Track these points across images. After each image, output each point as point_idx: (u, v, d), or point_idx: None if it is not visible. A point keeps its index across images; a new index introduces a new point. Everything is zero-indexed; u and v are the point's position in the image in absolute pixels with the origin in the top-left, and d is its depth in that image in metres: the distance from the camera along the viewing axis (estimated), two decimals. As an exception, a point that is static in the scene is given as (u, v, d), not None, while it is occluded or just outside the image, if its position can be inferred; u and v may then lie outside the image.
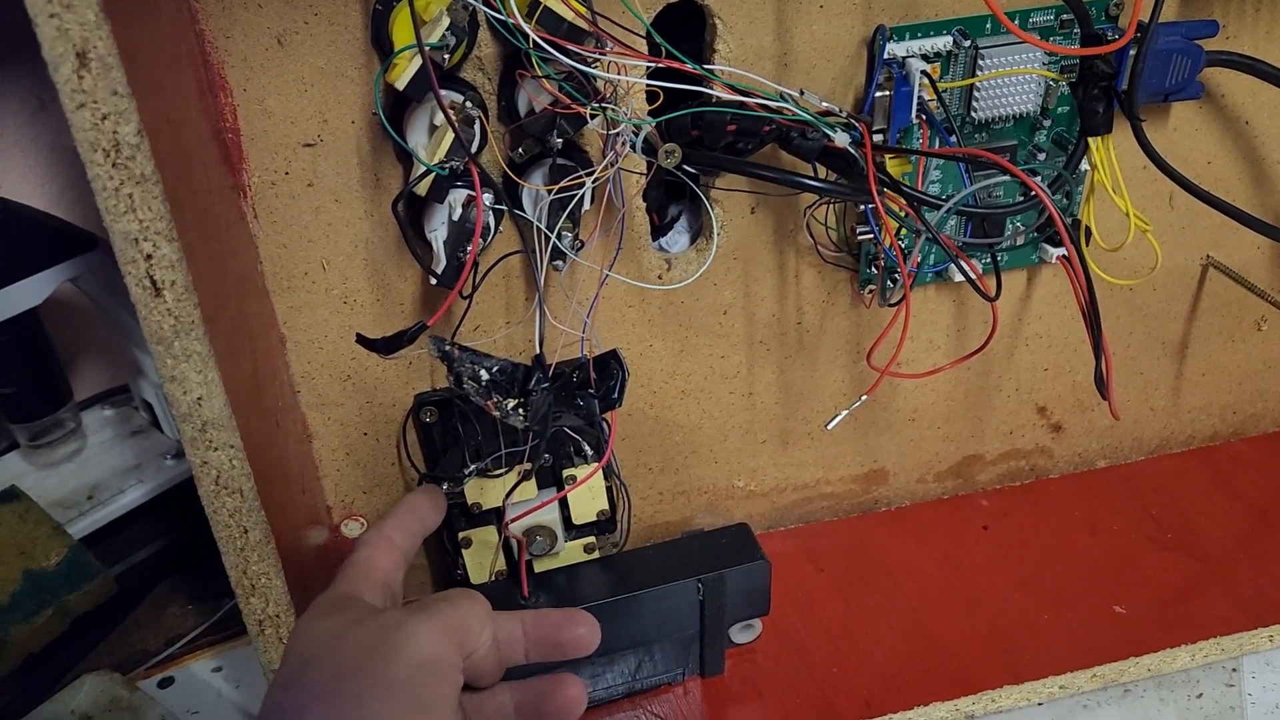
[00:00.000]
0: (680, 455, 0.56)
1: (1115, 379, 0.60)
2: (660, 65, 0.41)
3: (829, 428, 0.53)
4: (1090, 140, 0.44)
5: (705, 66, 0.41)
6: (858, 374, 0.56)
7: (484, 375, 0.36)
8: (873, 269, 0.51)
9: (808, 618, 0.55)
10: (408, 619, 0.33)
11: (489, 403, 0.36)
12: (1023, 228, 0.52)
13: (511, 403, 0.36)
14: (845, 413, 0.48)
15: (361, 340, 0.38)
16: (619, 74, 0.40)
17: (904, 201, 0.42)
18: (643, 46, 0.44)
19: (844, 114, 0.41)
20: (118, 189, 0.29)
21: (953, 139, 0.48)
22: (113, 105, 0.29)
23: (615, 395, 0.40)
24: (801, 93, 0.45)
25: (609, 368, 0.41)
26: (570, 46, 0.38)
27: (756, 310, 0.53)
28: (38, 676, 0.55)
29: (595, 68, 0.39)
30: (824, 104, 0.41)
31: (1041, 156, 0.50)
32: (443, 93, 0.41)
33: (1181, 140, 0.53)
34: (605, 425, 0.42)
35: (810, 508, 0.61)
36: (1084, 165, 0.49)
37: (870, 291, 0.52)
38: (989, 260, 0.52)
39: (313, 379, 0.49)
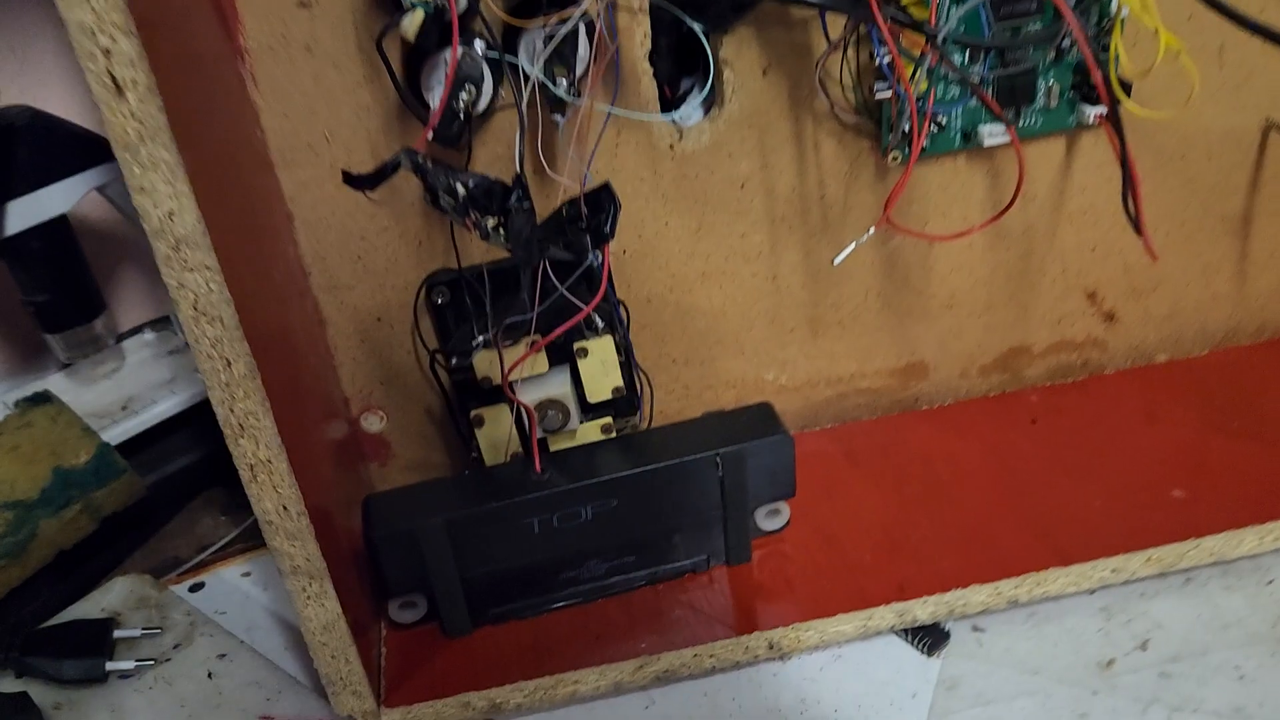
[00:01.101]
0: (705, 345, 0.54)
1: (1172, 260, 0.57)
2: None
3: (836, 263, 0.51)
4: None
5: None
6: (889, 253, 0.54)
7: (460, 190, 0.34)
8: (895, 134, 0.49)
9: (840, 508, 0.53)
10: None
11: (467, 220, 0.35)
12: (1055, 85, 0.49)
13: (491, 221, 0.35)
14: (853, 246, 0.45)
15: (347, 178, 0.37)
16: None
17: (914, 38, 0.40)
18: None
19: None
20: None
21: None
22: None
23: (607, 228, 0.38)
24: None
25: (600, 201, 0.39)
26: None
27: (776, 183, 0.51)
28: (73, 580, 0.56)
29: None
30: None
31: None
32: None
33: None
34: (598, 258, 0.40)
35: (845, 404, 0.58)
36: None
37: (894, 158, 0.50)
38: (1023, 126, 0.49)
39: (324, 259, 0.48)
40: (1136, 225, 0.44)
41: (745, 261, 0.52)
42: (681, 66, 0.50)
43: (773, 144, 0.50)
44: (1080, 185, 0.54)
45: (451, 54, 0.37)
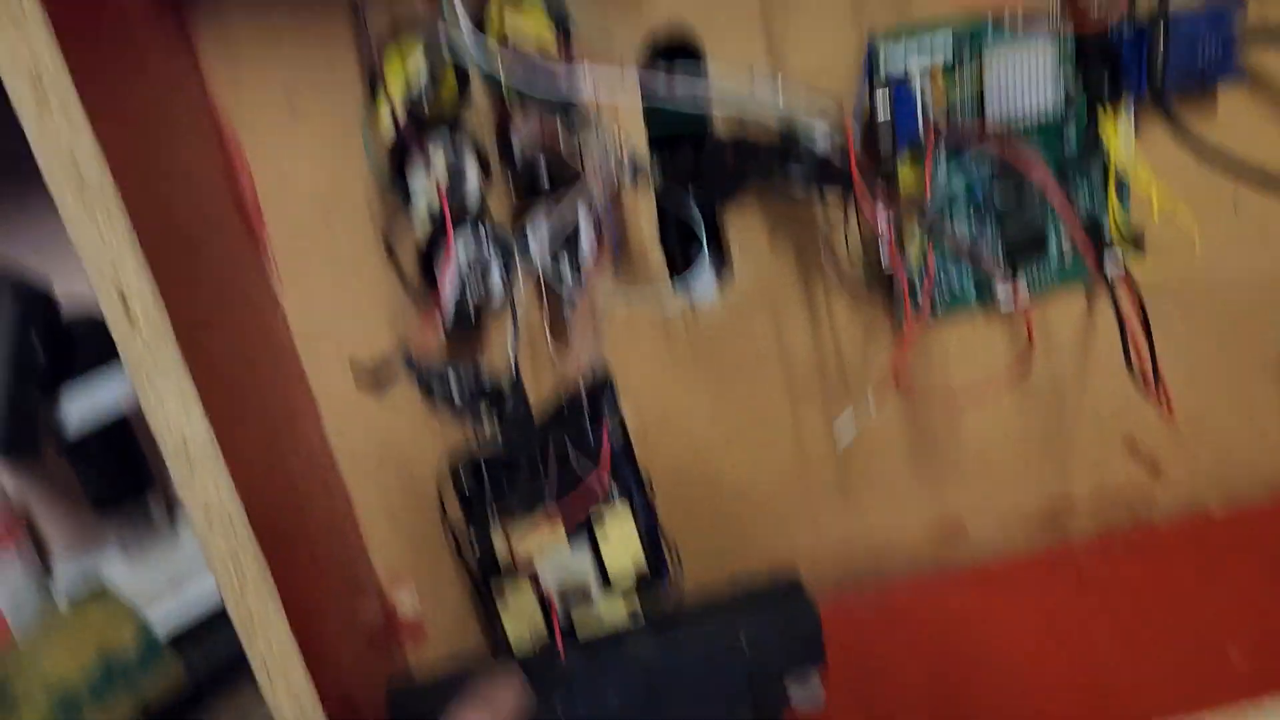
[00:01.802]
0: (734, 511, 0.54)
1: (1216, 406, 0.55)
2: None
3: (840, 446, 0.50)
4: (1100, 111, 0.42)
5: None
6: (914, 412, 0.53)
7: (454, 391, 0.35)
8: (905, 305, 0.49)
9: (878, 677, 0.51)
10: None
11: (463, 416, 0.36)
12: (1068, 240, 0.49)
13: (487, 419, 0.36)
14: (852, 422, 0.45)
15: (358, 380, 0.38)
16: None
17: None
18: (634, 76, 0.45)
19: (825, 126, 0.40)
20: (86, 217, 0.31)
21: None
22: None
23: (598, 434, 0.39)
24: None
25: (598, 401, 0.40)
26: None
27: (791, 351, 0.51)
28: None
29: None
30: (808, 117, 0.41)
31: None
32: (450, 131, 0.43)
33: (1237, 129, 0.49)
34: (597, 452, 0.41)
35: (882, 566, 0.57)
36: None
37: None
38: (1037, 280, 0.49)
39: (348, 441, 0.50)
40: (1148, 381, 0.43)
41: (767, 428, 0.52)
42: (689, 234, 0.52)
43: (785, 313, 0.50)
44: (1106, 334, 0.53)
45: (444, 264, 0.39)
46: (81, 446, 0.59)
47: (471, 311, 0.42)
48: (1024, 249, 0.49)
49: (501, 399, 0.36)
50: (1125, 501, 0.57)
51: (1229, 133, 0.49)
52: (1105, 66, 0.40)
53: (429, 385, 0.35)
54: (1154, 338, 0.52)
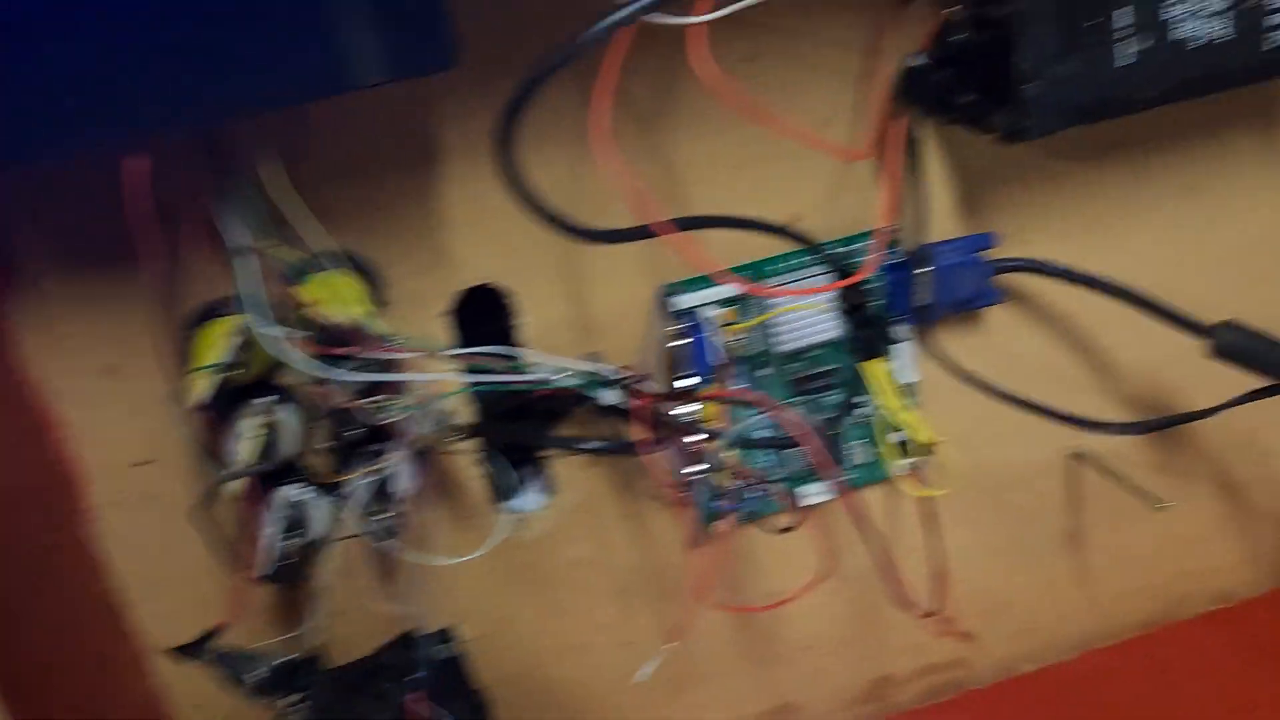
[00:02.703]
0: (576, 715, 0.56)
1: (1016, 581, 0.59)
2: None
3: (637, 679, 0.52)
4: (865, 365, 0.46)
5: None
6: (736, 607, 0.56)
7: (263, 673, 0.37)
8: (713, 505, 0.52)
9: None
10: None
11: (270, 704, 0.37)
12: (864, 444, 0.54)
13: (290, 701, 0.37)
14: (650, 666, 0.48)
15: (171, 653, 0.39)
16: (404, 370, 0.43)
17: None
18: (445, 332, 0.47)
19: (616, 372, 0.44)
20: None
21: (763, 371, 0.50)
22: None
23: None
24: (594, 356, 0.48)
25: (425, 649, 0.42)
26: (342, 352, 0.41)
27: (616, 560, 0.54)
28: None
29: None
30: (597, 366, 0.44)
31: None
32: (267, 397, 0.45)
33: (1004, 343, 0.54)
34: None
35: (721, 754, 0.59)
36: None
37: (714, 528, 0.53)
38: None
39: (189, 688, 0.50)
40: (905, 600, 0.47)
41: (599, 632, 0.55)
42: (516, 454, 0.54)
43: (607, 524, 0.53)
44: (909, 526, 0.57)
45: (260, 525, 0.41)
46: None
47: (290, 569, 0.43)
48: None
49: (309, 676, 0.38)
50: (945, 671, 0.61)
51: (1001, 340, 0.54)
52: (870, 327, 0.45)
53: (230, 673, 0.36)
54: (956, 526, 0.56)
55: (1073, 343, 0.55)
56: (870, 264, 0.45)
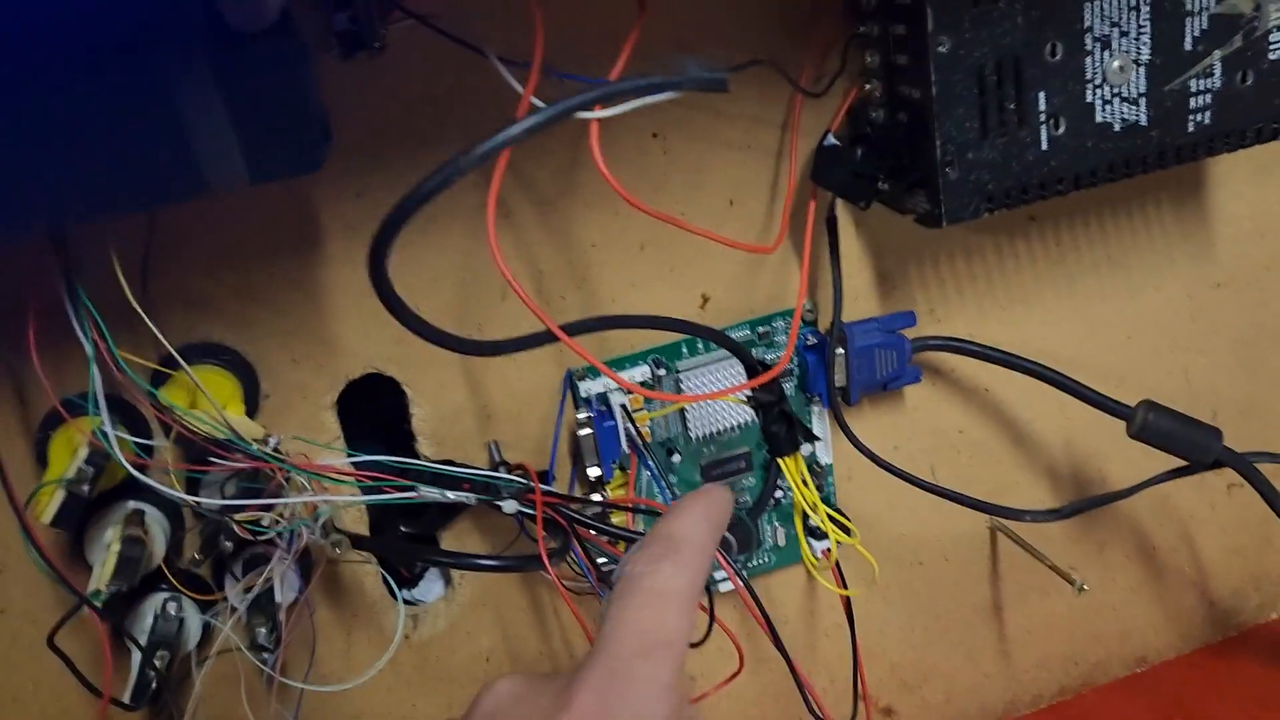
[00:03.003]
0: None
1: (935, 652, 0.58)
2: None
3: None
4: (780, 462, 0.44)
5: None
6: (650, 696, 0.53)
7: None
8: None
9: None
10: None
11: None
12: (780, 528, 0.51)
13: None
14: None
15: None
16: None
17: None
18: (331, 424, 0.44)
19: (514, 477, 0.41)
20: None
21: (676, 457, 0.48)
22: None
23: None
24: (494, 446, 0.45)
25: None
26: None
27: (521, 651, 0.51)
28: None
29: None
30: (492, 474, 0.41)
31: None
32: (129, 503, 0.41)
33: (925, 419, 0.52)
34: None
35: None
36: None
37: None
38: (756, 565, 0.51)
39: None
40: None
41: (503, 727, 0.52)
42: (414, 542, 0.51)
43: (510, 615, 0.50)
44: (828, 603, 0.55)
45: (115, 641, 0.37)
46: None
47: (159, 691, 0.40)
48: (741, 540, 0.51)
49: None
50: (864, 747, 0.59)
51: (921, 417, 0.52)
52: (783, 424, 0.42)
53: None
54: (875, 601, 0.55)
55: (992, 417, 0.54)
56: (785, 358, 0.42)
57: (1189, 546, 0.61)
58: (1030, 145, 0.42)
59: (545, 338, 0.36)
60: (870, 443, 0.51)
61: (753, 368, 0.41)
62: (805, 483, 0.44)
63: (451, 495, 0.39)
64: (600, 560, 0.44)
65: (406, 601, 0.49)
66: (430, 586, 0.50)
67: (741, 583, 0.41)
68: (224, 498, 0.39)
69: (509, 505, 0.39)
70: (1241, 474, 0.49)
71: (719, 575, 0.51)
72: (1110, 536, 0.59)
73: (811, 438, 0.42)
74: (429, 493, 0.38)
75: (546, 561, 0.39)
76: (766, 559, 0.52)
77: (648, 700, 0.26)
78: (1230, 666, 0.63)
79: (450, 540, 0.48)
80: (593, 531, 0.44)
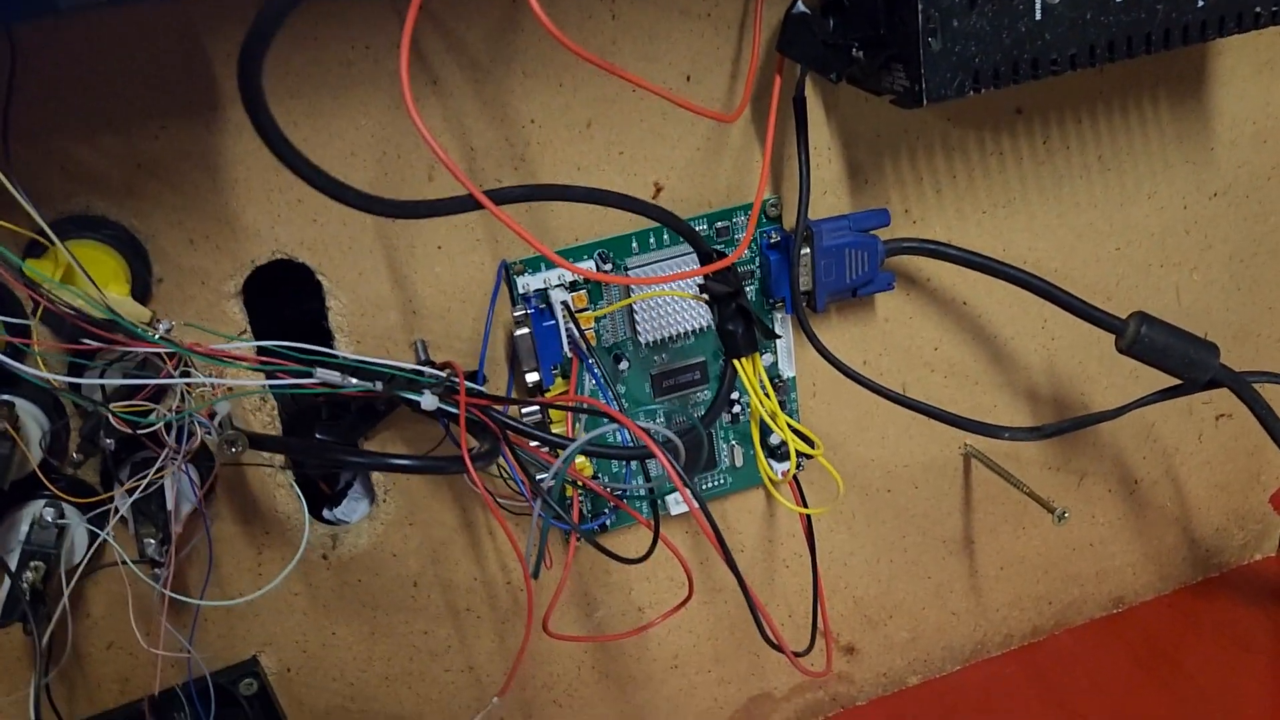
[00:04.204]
0: (406, 750, 0.49)
1: (902, 587, 0.54)
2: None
3: None
4: (736, 363, 0.39)
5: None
6: (596, 624, 0.49)
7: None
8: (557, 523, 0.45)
9: None
10: None
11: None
12: (738, 447, 0.47)
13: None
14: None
15: None
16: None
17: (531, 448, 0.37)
18: (236, 315, 0.39)
19: (437, 372, 0.36)
20: None
21: (623, 365, 0.43)
22: None
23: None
24: (420, 345, 0.40)
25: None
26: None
27: (453, 576, 0.46)
28: None
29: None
30: (413, 366, 0.36)
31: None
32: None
33: (897, 332, 0.48)
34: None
35: (577, 782, 0.53)
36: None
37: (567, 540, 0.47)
38: (712, 488, 0.47)
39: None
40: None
41: (434, 658, 0.48)
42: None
43: (441, 537, 0.46)
44: (789, 531, 0.51)
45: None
46: None
47: (31, 604, 0.35)
48: (692, 455, 0.47)
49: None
50: (824, 687, 0.56)
51: (892, 329, 0.48)
52: (740, 320, 0.38)
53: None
54: (838, 531, 0.51)
55: (969, 332, 0.50)
56: (742, 246, 0.38)
57: (1172, 481, 0.57)
58: (1023, 15, 0.38)
59: (468, 203, 0.31)
60: (838, 355, 0.47)
61: (707, 255, 0.36)
62: (765, 390, 0.40)
63: (355, 382, 0.34)
64: (539, 475, 0.40)
65: (328, 520, 0.45)
66: (354, 506, 0.46)
67: (692, 495, 0.37)
68: (110, 392, 0.34)
69: (428, 400, 0.35)
70: (1238, 394, 0.45)
71: (671, 496, 0.47)
72: (1091, 466, 0.55)
73: (771, 335, 0.38)
74: (327, 376, 0.34)
75: (469, 463, 0.34)
76: (722, 480, 0.48)
77: None
78: (1210, 608, 0.60)
79: (372, 448, 0.43)
80: (528, 440, 0.39)
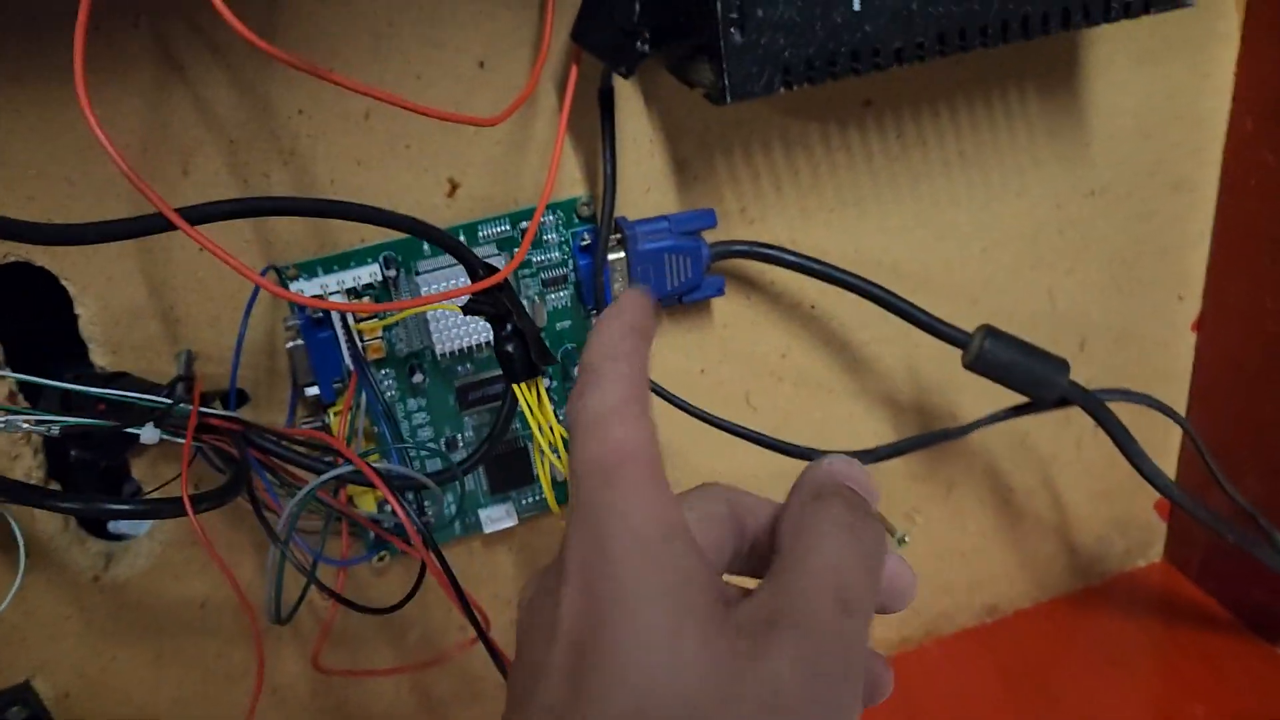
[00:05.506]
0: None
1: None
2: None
3: None
4: (515, 389, 0.35)
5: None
6: (411, 646, 0.46)
7: None
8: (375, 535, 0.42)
9: None
10: None
11: None
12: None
13: None
14: None
15: None
16: None
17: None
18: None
19: (155, 397, 0.32)
20: None
21: (418, 377, 0.40)
22: None
23: None
24: (185, 356, 0.37)
25: None
26: None
27: (247, 594, 0.43)
28: None
29: None
30: (134, 396, 0.33)
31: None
32: None
33: (738, 339, 0.45)
34: None
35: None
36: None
37: (380, 559, 0.43)
38: (529, 503, 0.44)
39: None
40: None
41: (231, 681, 0.44)
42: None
43: (232, 557, 0.42)
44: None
45: None
46: None
47: None
48: (510, 476, 0.43)
49: None
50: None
51: (729, 337, 0.45)
52: (516, 341, 0.34)
53: None
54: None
55: (820, 338, 0.46)
56: (514, 261, 0.34)
57: (1049, 489, 0.54)
58: (839, 4, 0.33)
59: (157, 223, 0.27)
60: (672, 364, 0.44)
61: (474, 270, 0.32)
62: (548, 420, 0.36)
63: (64, 422, 0.30)
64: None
65: (110, 536, 0.42)
66: (130, 521, 0.42)
67: (421, 539, 0.33)
68: None
69: (148, 434, 0.31)
70: (1091, 413, 0.42)
71: (484, 512, 0.43)
72: (960, 476, 0.52)
73: (550, 360, 0.34)
74: (17, 422, 0.30)
75: (190, 508, 0.31)
76: (540, 498, 0.44)
77: (609, 523, 0.22)
78: (1087, 617, 0.57)
79: (143, 467, 0.40)
80: (291, 466, 0.36)
